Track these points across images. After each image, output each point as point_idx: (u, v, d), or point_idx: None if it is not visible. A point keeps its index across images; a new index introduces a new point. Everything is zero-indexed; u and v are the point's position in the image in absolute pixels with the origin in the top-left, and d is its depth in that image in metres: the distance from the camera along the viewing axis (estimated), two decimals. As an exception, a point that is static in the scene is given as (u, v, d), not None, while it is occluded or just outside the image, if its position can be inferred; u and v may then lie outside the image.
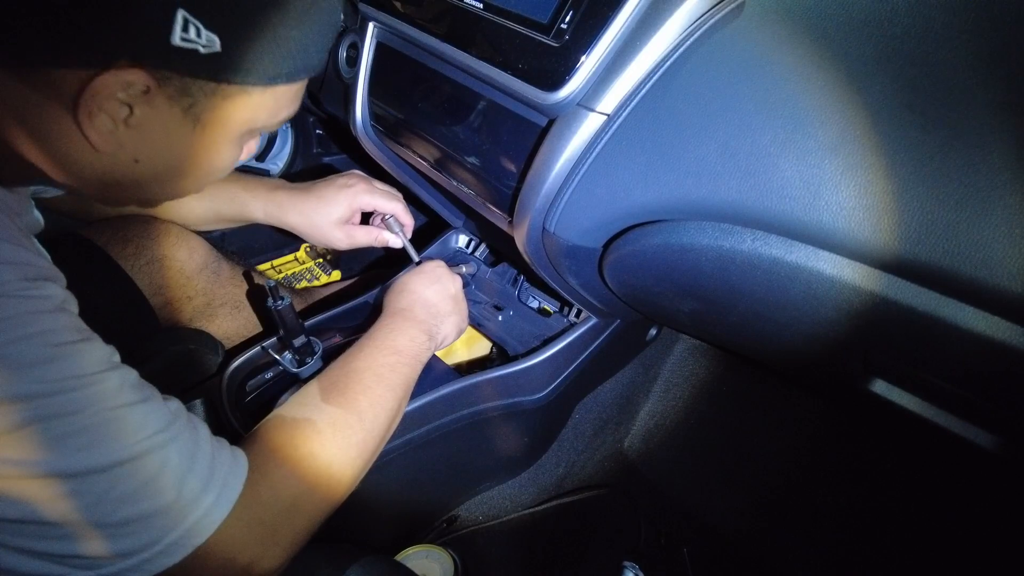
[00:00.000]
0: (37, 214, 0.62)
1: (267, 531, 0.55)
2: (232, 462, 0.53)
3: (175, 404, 0.52)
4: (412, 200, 0.98)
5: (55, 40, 0.43)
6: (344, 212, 0.90)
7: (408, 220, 0.95)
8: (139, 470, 0.46)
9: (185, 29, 0.44)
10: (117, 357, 0.50)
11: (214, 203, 0.89)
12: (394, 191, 0.95)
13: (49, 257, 0.50)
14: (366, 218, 0.96)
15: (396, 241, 0.93)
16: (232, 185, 0.90)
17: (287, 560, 0.57)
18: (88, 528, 0.44)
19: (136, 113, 0.48)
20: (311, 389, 0.66)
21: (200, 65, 0.46)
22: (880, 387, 0.63)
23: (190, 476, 0.49)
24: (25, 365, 0.42)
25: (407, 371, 0.73)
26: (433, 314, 0.81)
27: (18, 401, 0.42)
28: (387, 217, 0.93)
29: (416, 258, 0.92)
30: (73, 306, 0.49)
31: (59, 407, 0.43)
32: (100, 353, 0.48)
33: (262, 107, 0.53)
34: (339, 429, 0.63)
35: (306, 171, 1.40)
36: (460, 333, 0.87)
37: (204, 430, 0.53)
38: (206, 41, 0.45)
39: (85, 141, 0.48)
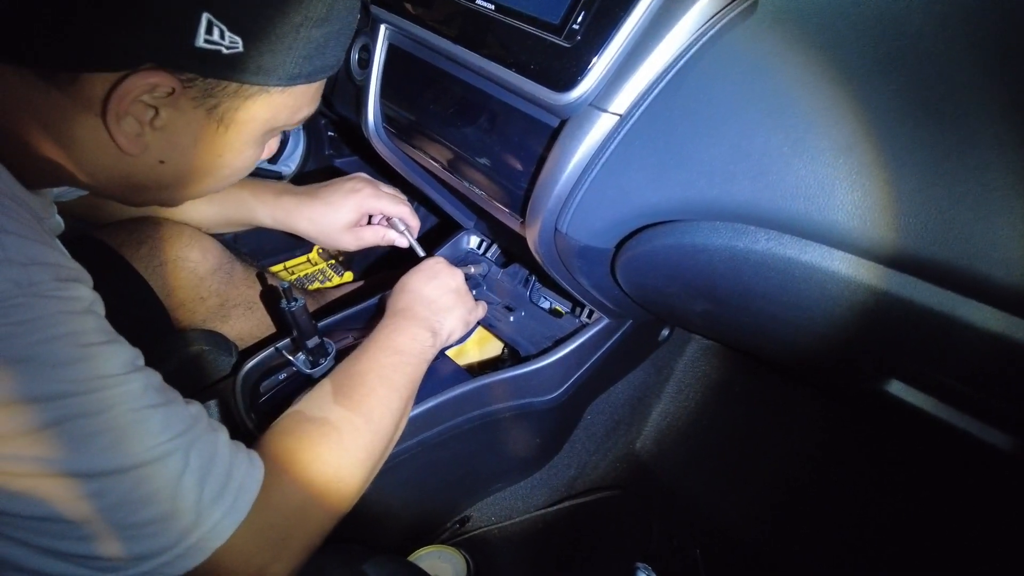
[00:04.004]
0: (58, 217, 0.63)
1: (280, 534, 0.55)
2: (249, 466, 0.54)
3: (196, 407, 0.53)
4: (424, 201, 0.99)
5: (81, 45, 0.44)
6: (352, 216, 0.91)
7: (414, 222, 0.95)
8: (160, 472, 0.47)
9: (209, 31, 0.45)
10: (142, 360, 0.50)
11: (223, 208, 0.91)
12: (399, 193, 0.96)
13: (71, 258, 0.51)
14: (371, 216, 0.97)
15: (403, 240, 0.94)
16: (240, 190, 0.91)
17: (301, 563, 0.57)
18: (109, 529, 0.45)
19: (162, 115, 0.49)
20: (317, 393, 0.66)
21: (223, 67, 0.47)
22: (895, 387, 0.63)
23: (209, 480, 0.49)
24: (54, 365, 0.43)
25: (411, 370, 0.73)
26: (433, 310, 0.80)
27: (46, 400, 0.42)
28: (393, 219, 0.94)
29: (422, 254, 0.93)
30: (100, 308, 0.49)
31: (85, 407, 0.44)
32: (126, 355, 0.48)
33: (283, 106, 0.54)
34: (346, 432, 0.63)
35: (315, 172, 1.41)
36: (468, 327, 0.87)
37: (223, 434, 0.54)
38: (229, 43, 0.46)
39: (112, 144, 0.49)
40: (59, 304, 0.44)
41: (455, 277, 0.85)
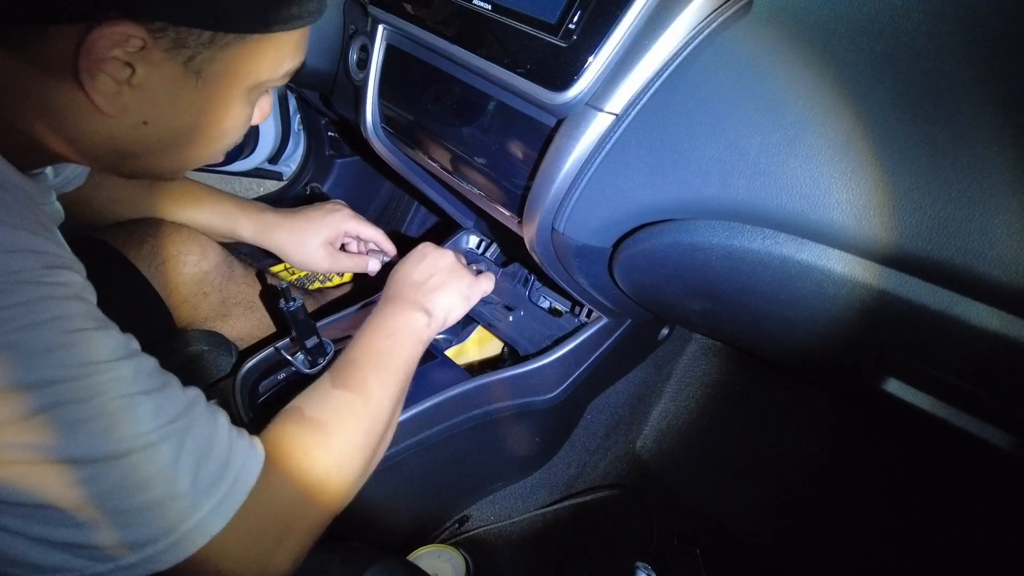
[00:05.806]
0: (58, 205, 0.63)
1: (283, 519, 0.54)
2: (249, 451, 0.53)
3: (194, 392, 0.52)
4: (423, 201, 0.99)
5: None
6: (330, 233, 0.94)
7: (391, 249, 0.98)
8: (153, 458, 0.46)
9: None
10: (135, 345, 0.50)
11: (213, 216, 0.93)
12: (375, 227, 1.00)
13: (69, 248, 0.51)
14: None
15: (377, 266, 0.95)
16: (229, 203, 0.94)
17: (303, 551, 0.57)
18: (102, 516, 0.44)
19: (138, 72, 0.47)
20: (315, 385, 0.66)
21: (191, 12, 0.45)
22: (894, 386, 0.62)
23: (205, 465, 0.49)
24: (41, 351, 0.42)
25: (405, 352, 0.72)
26: (424, 292, 0.79)
27: (35, 387, 0.42)
28: (369, 245, 0.97)
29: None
30: (91, 295, 0.49)
31: (76, 393, 0.43)
32: (116, 341, 0.48)
33: (264, 57, 0.52)
34: (346, 415, 0.63)
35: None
36: (468, 301, 0.84)
37: (223, 418, 0.53)
38: None
39: (91, 107, 0.47)
40: (45, 290, 0.44)
41: (444, 257, 0.84)
